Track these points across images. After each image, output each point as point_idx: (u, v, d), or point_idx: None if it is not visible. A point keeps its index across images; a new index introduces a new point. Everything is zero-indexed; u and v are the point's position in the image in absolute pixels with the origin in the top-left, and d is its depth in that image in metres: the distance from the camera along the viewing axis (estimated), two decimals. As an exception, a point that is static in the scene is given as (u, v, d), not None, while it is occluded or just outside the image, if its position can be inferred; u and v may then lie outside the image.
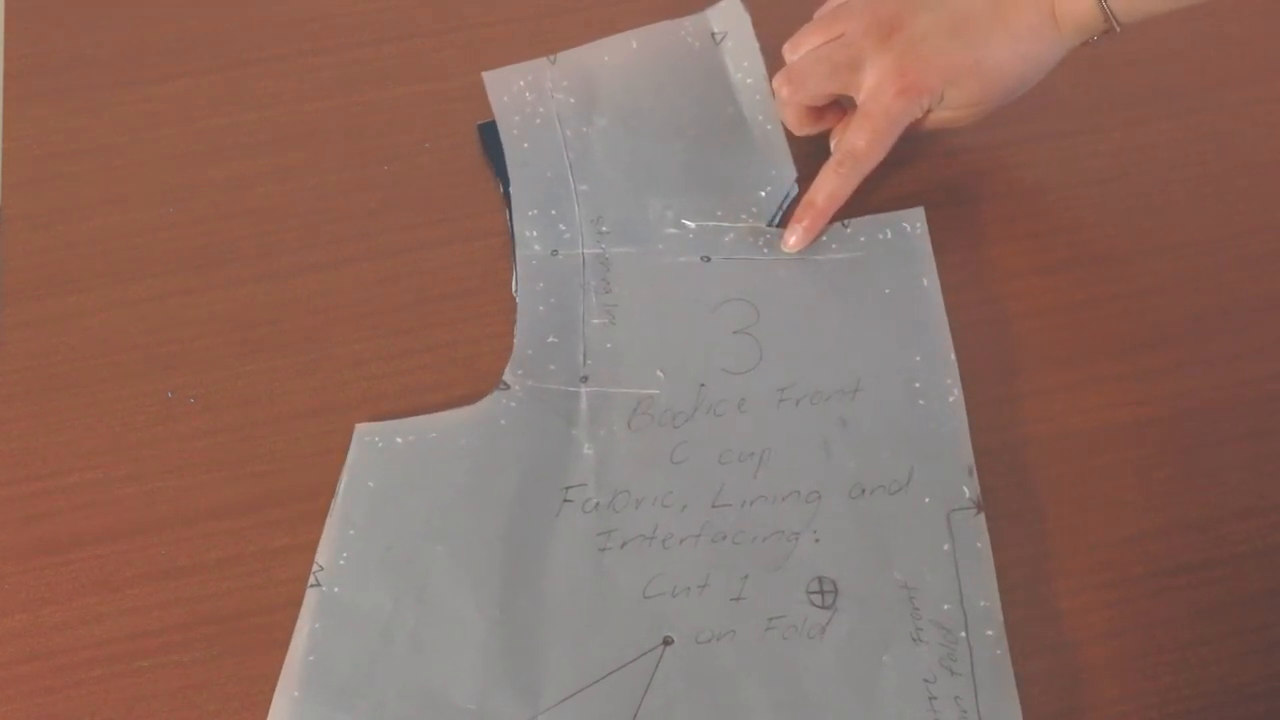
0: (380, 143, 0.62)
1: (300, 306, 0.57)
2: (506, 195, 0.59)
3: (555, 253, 0.57)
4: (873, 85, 0.56)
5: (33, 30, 0.66)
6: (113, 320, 0.57)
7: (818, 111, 0.59)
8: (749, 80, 0.61)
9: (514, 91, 0.62)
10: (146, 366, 0.55)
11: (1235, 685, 0.47)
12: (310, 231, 0.59)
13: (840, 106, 0.59)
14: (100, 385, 0.55)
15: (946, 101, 0.56)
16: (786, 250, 0.57)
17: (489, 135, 0.61)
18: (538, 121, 0.61)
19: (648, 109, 0.61)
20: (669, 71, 0.62)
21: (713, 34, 0.63)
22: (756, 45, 0.62)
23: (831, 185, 0.56)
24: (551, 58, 0.62)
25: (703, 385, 0.53)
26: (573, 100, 0.61)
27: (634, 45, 0.62)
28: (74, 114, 0.63)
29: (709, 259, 0.57)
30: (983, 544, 0.49)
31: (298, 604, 0.49)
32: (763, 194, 0.59)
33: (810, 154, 0.60)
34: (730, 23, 0.63)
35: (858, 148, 0.56)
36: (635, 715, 0.46)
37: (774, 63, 0.61)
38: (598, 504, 0.51)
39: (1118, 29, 0.54)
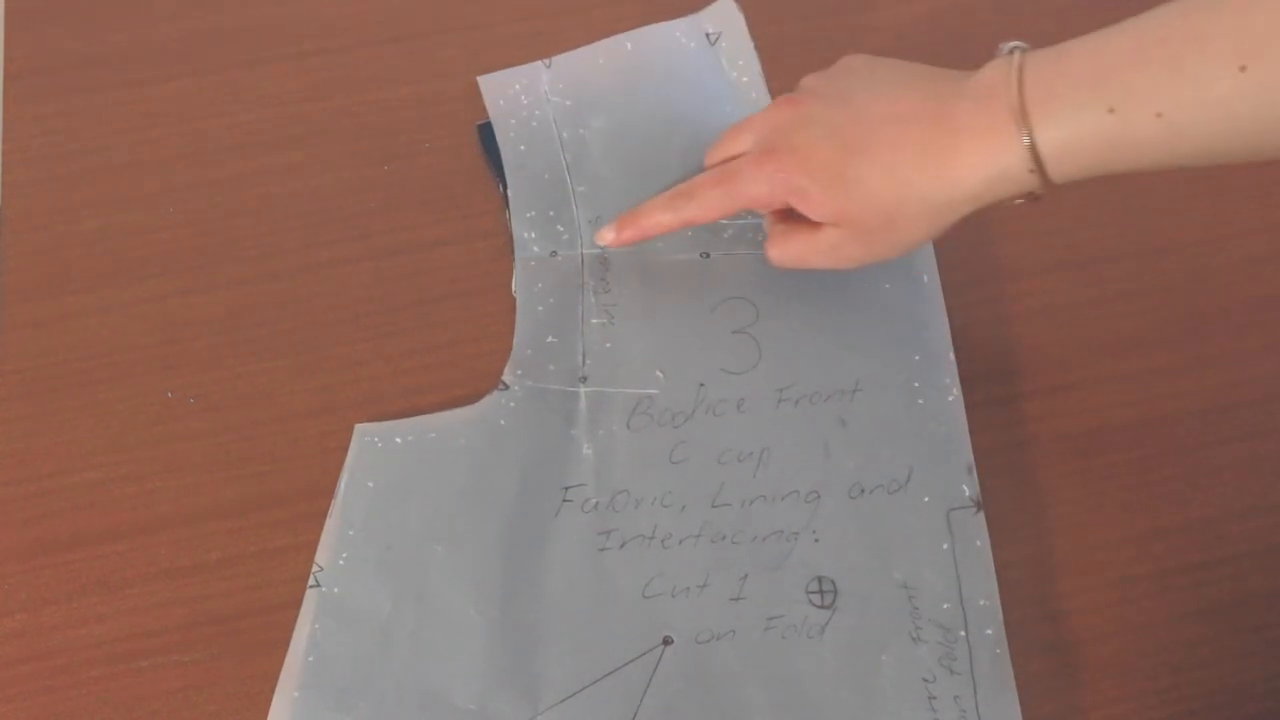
0: (380, 143, 0.62)
1: (300, 306, 0.57)
2: (505, 195, 0.59)
3: (554, 253, 0.57)
4: (744, 154, 0.52)
5: (33, 30, 0.66)
6: (113, 320, 0.57)
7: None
8: (744, 79, 0.61)
9: (510, 95, 0.62)
10: (146, 366, 0.55)
11: (1235, 685, 0.47)
12: (310, 231, 0.59)
13: None
14: (100, 385, 0.55)
15: (812, 204, 0.49)
16: (597, 241, 0.56)
17: (487, 136, 0.61)
18: (534, 124, 0.61)
19: (644, 109, 0.61)
20: (665, 72, 0.62)
21: (707, 34, 0.63)
22: (751, 44, 0.62)
23: (659, 214, 0.53)
24: (547, 61, 0.62)
25: (702, 385, 0.53)
26: (569, 103, 0.61)
27: (629, 47, 0.62)
28: (74, 114, 0.63)
29: (708, 255, 0.57)
30: (982, 543, 0.49)
31: (298, 604, 0.49)
32: None
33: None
34: (724, 23, 0.63)
35: (696, 188, 0.52)
36: (635, 715, 0.46)
37: (769, 61, 0.61)
38: (597, 504, 0.50)
39: (1038, 189, 0.45)
